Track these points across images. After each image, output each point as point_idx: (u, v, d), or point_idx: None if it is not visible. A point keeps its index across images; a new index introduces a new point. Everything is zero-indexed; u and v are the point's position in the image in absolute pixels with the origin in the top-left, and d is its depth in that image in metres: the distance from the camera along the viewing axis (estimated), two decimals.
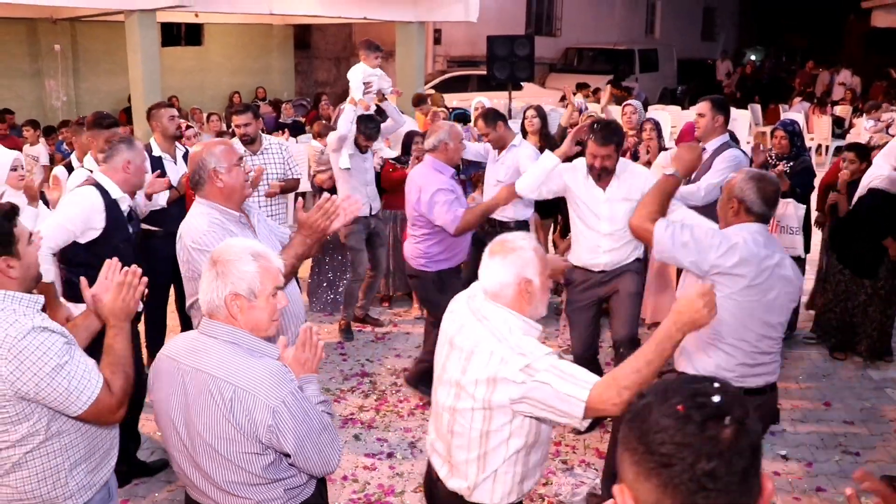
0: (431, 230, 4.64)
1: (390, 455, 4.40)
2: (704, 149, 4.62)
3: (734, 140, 5.30)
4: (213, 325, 2.17)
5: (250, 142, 5.43)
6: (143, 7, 8.78)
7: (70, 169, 4.95)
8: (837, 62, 21.38)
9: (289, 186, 5.60)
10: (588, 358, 4.35)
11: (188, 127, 6.84)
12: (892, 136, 7.32)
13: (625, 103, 7.35)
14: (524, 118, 6.65)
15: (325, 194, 3.04)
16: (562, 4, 21.65)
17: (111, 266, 2.41)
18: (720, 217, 3.09)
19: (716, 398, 1.14)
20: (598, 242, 4.19)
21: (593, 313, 4.40)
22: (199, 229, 2.93)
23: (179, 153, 5.29)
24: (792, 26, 30.26)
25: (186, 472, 2.23)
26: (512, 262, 2.28)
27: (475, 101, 7.63)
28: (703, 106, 4.81)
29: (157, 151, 5.13)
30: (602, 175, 4.07)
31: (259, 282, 2.15)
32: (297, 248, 2.93)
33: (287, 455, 2.13)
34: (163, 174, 4.81)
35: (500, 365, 2.19)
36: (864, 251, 5.48)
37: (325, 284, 6.71)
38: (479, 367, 2.24)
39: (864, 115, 9.88)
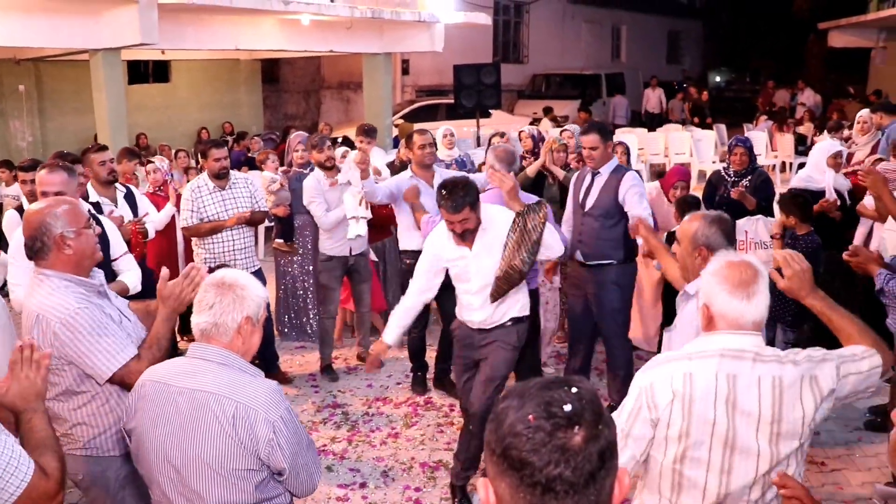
0: None
1: (363, 485, 4.37)
2: (599, 172, 4.89)
3: None
4: (205, 348, 2.23)
5: (224, 176, 5.42)
6: (107, 46, 8.76)
7: (21, 211, 4.89)
8: (799, 81, 21.84)
9: (256, 218, 5.61)
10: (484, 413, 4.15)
11: (149, 162, 6.77)
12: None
13: (561, 129, 7.43)
14: (489, 145, 6.74)
15: (196, 264, 2.92)
16: (528, 32, 21.98)
17: (15, 350, 2.12)
18: (685, 269, 2.98)
19: (567, 407, 1.21)
20: (471, 300, 4.02)
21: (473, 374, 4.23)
22: (68, 308, 2.51)
23: (121, 194, 5.26)
24: (755, 48, 30.91)
25: (174, 502, 2.23)
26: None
27: (441, 129, 7.64)
28: (593, 139, 4.81)
29: (93, 197, 5.02)
30: (466, 235, 3.87)
31: (262, 309, 2.29)
32: (166, 324, 2.66)
33: (279, 473, 2.22)
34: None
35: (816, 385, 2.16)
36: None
37: (293, 312, 6.64)
38: (796, 406, 2.14)
39: (827, 133, 10.06)
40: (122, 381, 2.57)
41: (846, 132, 10.05)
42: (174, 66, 15.53)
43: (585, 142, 4.87)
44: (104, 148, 5.33)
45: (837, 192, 5.73)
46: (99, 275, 2.76)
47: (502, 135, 7.40)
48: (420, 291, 4.04)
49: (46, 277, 2.57)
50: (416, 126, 14.56)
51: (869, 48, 20.01)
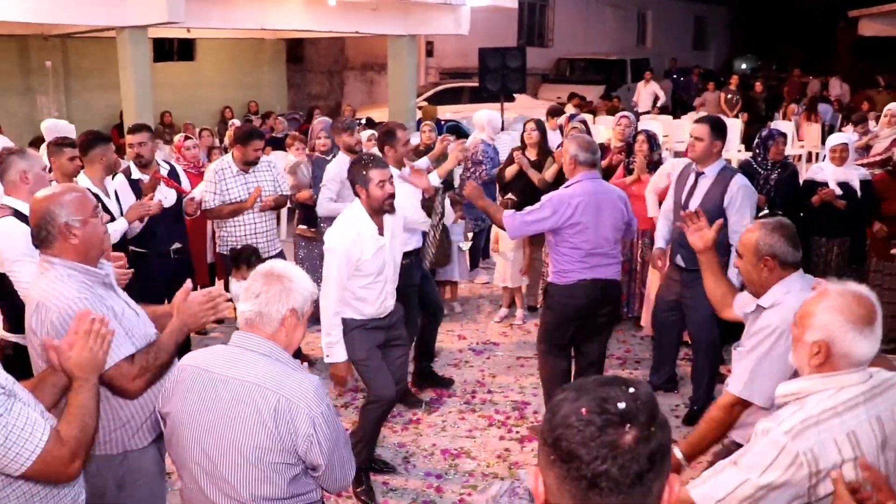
0: None
1: (383, 471, 4.38)
2: (703, 173, 4.64)
3: None
4: (249, 337, 2.23)
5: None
6: (134, 23, 8.78)
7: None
8: (828, 70, 21.50)
9: (279, 203, 5.61)
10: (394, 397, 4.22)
11: (187, 138, 6.78)
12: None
13: (619, 115, 7.31)
14: (524, 130, 6.69)
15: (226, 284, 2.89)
16: (553, 16, 21.77)
17: (82, 317, 2.22)
18: (752, 282, 2.87)
19: (621, 404, 1.21)
20: (386, 290, 4.03)
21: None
22: (67, 297, 2.42)
23: (164, 172, 5.24)
24: (783, 35, 30.44)
25: (205, 491, 2.21)
26: None
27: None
28: (701, 129, 4.61)
29: (136, 174, 5.09)
30: (390, 205, 3.89)
31: (309, 303, 2.28)
32: (172, 336, 2.56)
33: (313, 469, 2.22)
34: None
35: None
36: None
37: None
38: None
39: (852, 125, 9.89)
40: (111, 383, 2.43)
41: (871, 123, 9.90)
42: (199, 45, 15.56)
43: (693, 131, 4.67)
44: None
45: (846, 183, 5.78)
46: (107, 266, 2.68)
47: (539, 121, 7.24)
48: (342, 299, 3.95)
49: (51, 265, 2.49)
50: (439, 109, 14.58)
51: None
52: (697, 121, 4.80)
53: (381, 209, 3.86)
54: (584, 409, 1.22)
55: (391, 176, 3.89)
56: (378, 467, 4.38)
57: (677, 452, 2.74)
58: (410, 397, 5.22)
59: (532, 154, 6.49)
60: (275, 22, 10.81)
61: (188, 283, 2.61)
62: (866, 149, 7.91)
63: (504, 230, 4.52)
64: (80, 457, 2.07)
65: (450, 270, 6.72)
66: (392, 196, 3.86)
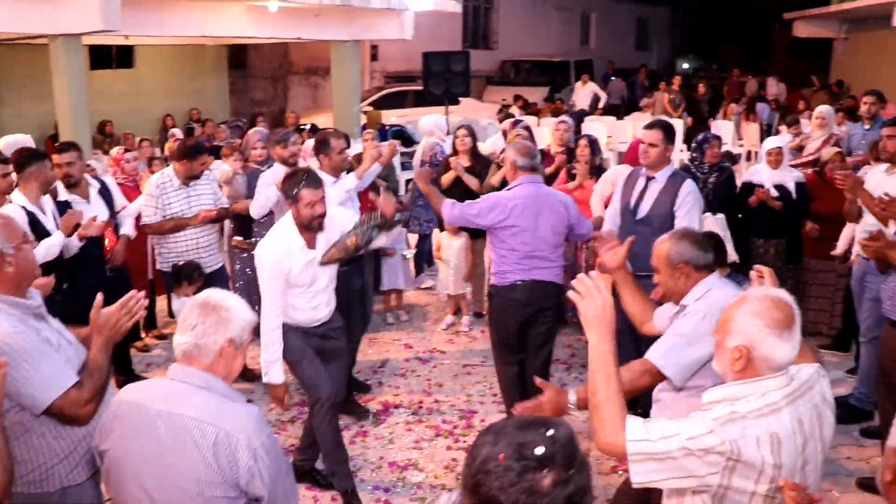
0: None
1: (330, 486, 4.34)
2: (654, 178, 4.67)
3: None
4: (187, 370, 2.19)
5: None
6: (67, 31, 8.52)
7: None
8: (767, 70, 22.02)
9: (224, 215, 5.54)
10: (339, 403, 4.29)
11: (126, 150, 6.61)
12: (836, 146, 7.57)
13: (558, 119, 7.37)
14: (455, 137, 6.71)
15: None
16: (498, 18, 21.92)
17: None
18: (672, 293, 2.98)
19: (539, 450, 1.24)
20: (318, 300, 4.05)
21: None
22: (2, 333, 2.32)
23: (94, 190, 5.12)
24: (723, 35, 31.12)
25: None
26: None
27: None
28: (655, 135, 4.60)
29: (62, 195, 4.96)
30: (319, 223, 3.91)
31: (247, 332, 2.26)
32: (102, 353, 2.50)
33: (256, 501, 2.18)
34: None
35: None
36: None
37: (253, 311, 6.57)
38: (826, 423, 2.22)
39: (786, 127, 10.15)
40: (61, 412, 2.39)
41: (804, 123, 10.16)
42: (139, 52, 15.22)
43: (646, 136, 4.62)
44: (65, 148, 5.00)
45: (782, 185, 5.94)
46: (36, 295, 2.60)
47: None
48: (281, 312, 3.96)
49: None
50: (384, 113, 14.54)
51: (832, 39, 20.28)
52: (649, 126, 4.73)
53: (309, 226, 3.87)
54: (501, 456, 1.24)
55: (323, 196, 3.87)
56: (325, 483, 4.34)
57: (571, 395, 2.74)
58: (357, 408, 5.19)
59: (465, 160, 6.53)
60: (216, 28, 10.64)
61: (99, 298, 2.54)
62: (799, 149, 8.13)
63: (441, 215, 4.66)
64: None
65: (394, 279, 6.70)
66: (322, 216, 3.86)
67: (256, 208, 5.39)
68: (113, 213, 5.18)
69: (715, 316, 2.37)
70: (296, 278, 3.90)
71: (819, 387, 2.21)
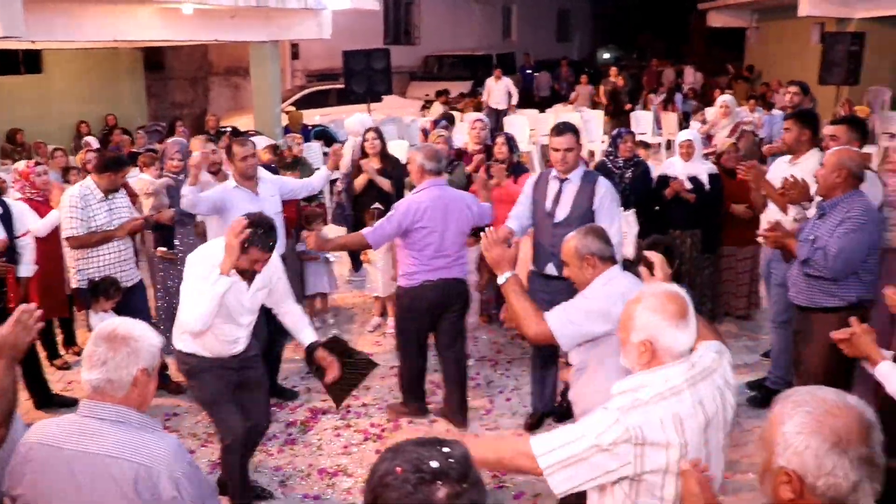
0: None
1: (259, 497, 4.32)
2: (568, 179, 4.61)
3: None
4: (98, 406, 2.14)
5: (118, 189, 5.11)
6: None
7: None
8: (685, 59, 22.60)
9: (147, 225, 5.47)
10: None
11: (37, 164, 6.25)
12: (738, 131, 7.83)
13: (474, 118, 7.35)
14: (364, 140, 6.74)
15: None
16: (419, 13, 21.93)
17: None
18: (581, 283, 3.25)
19: (434, 463, 1.32)
20: (238, 334, 3.89)
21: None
22: None
23: None
24: (642, 25, 31.77)
25: None
26: None
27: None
28: (568, 140, 4.56)
29: None
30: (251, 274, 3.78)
31: (157, 357, 2.24)
32: (6, 376, 2.36)
33: None
34: None
35: None
36: None
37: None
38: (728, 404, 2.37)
39: (692, 116, 10.51)
40: None
41: (708, 110, 10.51)
42: (47, 56, 14.60)
43: (559, 143, 4.53)
44: None
45: (695, 177, 6.10)
46: None
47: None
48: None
49: None
50: (307, 112, 14.39)
51: (744, 28, 20.97)
52: (559, 132, 4.60)
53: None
54: (399, 469, 1.31)
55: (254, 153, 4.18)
56: (255, 494, 4.31)
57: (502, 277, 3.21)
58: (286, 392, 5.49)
59: (375, 162, 6.59)
60: (128, 32, 10.36)
61: None
62: (708, 137, 8.40)
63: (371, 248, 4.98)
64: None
65: (319, 283, 6.68)
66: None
67: (186, 201, 5.16)
68: (11, 238, 5.02)
69: (614, 299, 2.93)
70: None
71: (721, 370, 2.37)
